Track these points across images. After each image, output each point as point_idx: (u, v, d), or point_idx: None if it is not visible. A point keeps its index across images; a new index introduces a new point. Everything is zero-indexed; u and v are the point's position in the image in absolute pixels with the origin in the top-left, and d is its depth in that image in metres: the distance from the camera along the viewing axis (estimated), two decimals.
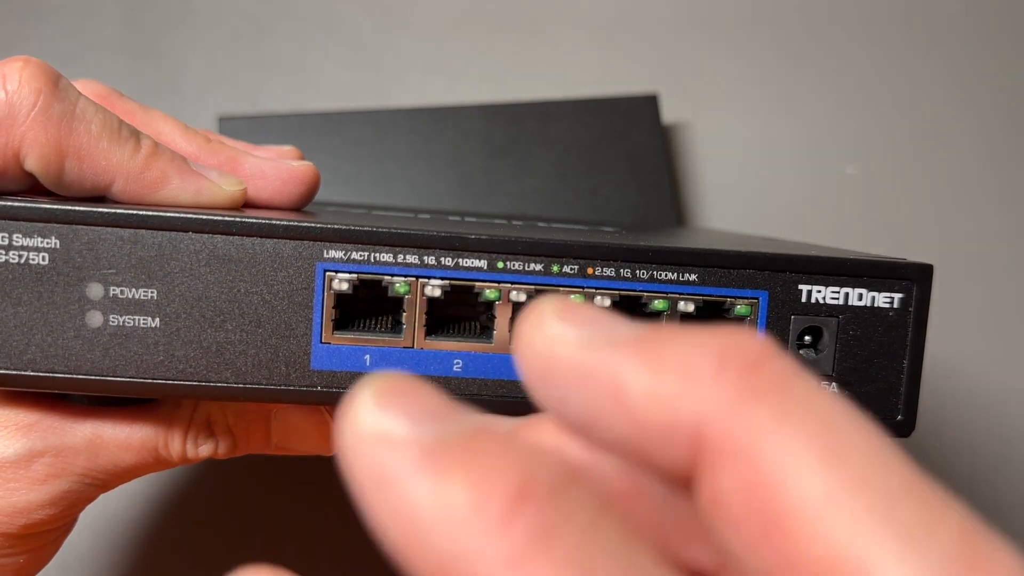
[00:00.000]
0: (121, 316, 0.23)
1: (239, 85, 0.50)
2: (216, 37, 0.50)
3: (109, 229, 0.23)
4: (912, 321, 0.25)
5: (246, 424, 0.28)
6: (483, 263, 0.24)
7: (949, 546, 0.10)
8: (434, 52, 0.50)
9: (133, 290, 0.23)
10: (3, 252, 0.23)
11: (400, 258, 0.24)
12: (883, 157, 0.51)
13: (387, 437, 0.11)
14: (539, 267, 0.24)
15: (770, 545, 0.10)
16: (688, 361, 0.11)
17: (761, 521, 0.10)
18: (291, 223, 0.23)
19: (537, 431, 0.14)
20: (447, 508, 0.10)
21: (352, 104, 0.49)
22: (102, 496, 0.28)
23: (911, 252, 0.28)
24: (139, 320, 0.23)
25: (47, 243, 0.23)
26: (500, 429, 0.12)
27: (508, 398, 0.25)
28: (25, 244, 0.23)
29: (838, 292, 0.25)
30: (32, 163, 0.24)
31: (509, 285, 0.24)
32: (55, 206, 0.23)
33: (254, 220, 0.23)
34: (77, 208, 0.23)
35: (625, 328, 0.12)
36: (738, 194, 0.51)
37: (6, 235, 0.23)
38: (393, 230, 0.24)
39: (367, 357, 0.24)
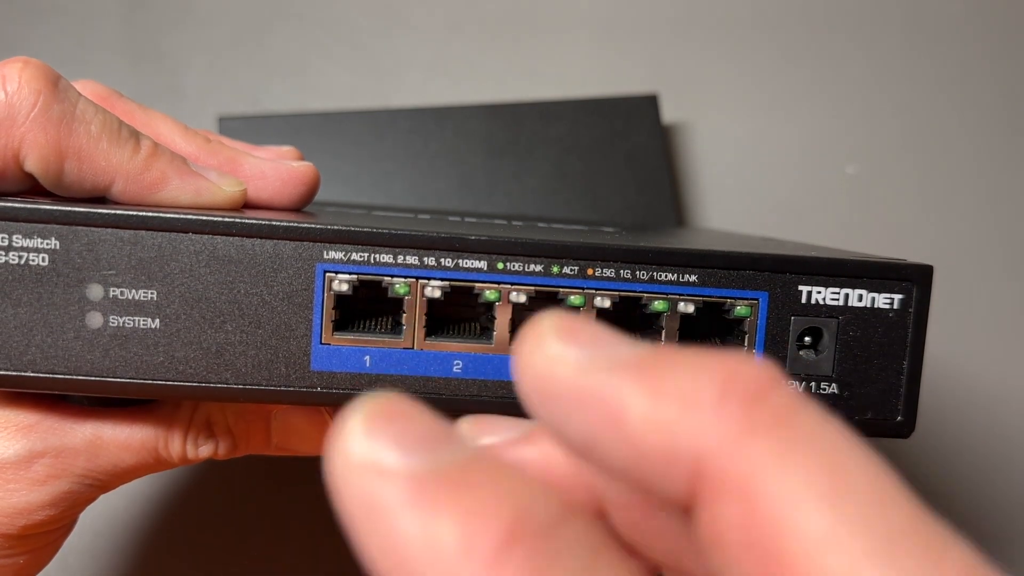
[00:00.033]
0: (121, 317, 0.23)
1: (239, 85, 0.50)
2: (216, 37, 0.50)
3: (109, 230, 0.23)
4: (912, 322, 0.25)
5: (246, 425, 0.28)
6: (483, 264, 0.24)
7: None
8: (434, 52, 0.50)
9: (133, 291, 0.23)
10: (3, 253, 0.23)
11: (400, 259, 0.24)
12: (883, 157, 0.51)
13: (377, 467, 0.11)
14: (539, 268, 0.24)
15: None
16: (690, 388, 0.11)
17: (759, 557, 0.10)
18: (291, 224, 0.23)
19: (538, 444, 0.14)
20: (436, 546, 0.10)
21: (352, 104, 0.49)
22: (102, 496, 0.28)
23: (911, 252, 0.28)
24: (139, 321, 0.23)
25: (47, 244, 0.23)
26: (495, 456, 0.11)
27: (508, 399, 0.25)
28: (25, 245, 0.23)
29: (838, 293, 0.25)
30: (32, 164, 0.24)
31: (509, 286, 0.24)
32: (55, 207, 0.23)
33: (254, 221, 0.23)
34: (77, 209, 0.23)
35: (626, 349, 0.12)
36: (738, 194, 0.51)
37: (6, 236, 0.23)
38: (393, 231, 0.24)
39: (367, 358, 0.24)
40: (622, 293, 0.24)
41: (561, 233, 0.27)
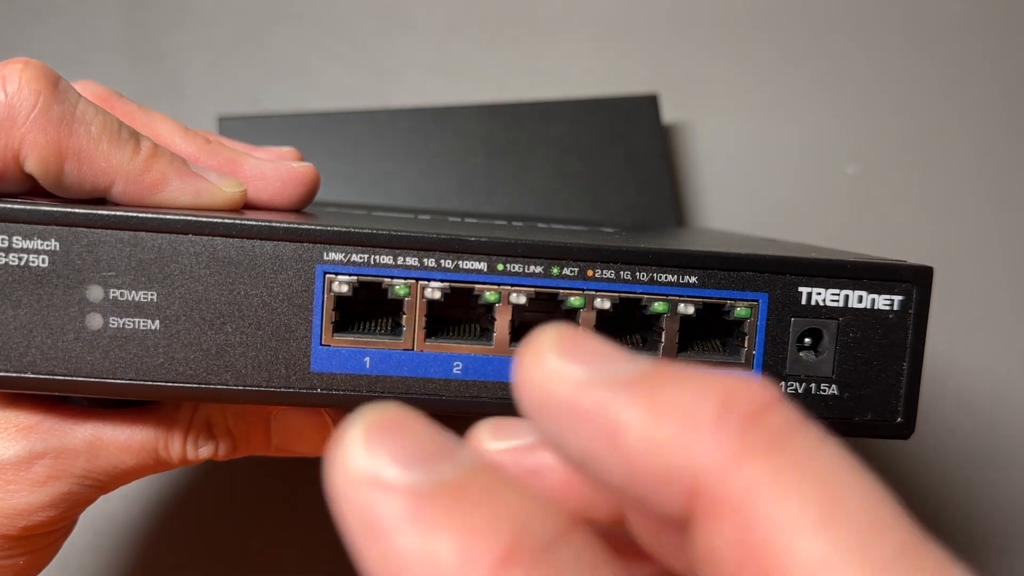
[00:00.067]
0: (121, 318, 0.23)
1: (239, 85, 0.50)
2: (216, 37, 0.50)
3: (109, 231, 0.23)
4: (912, 323, 0.25)
5: (246, 426, 0.28)
6: (483, 265, 0.24)
7: None
8: (434, 52, 0.50)
9: (133, 292, 0.23)
10: (3, 254, 0.23)
11: (400, 260, 0.24)
12: (883, 157, 0.51)
13: (376, 480, 0.11)
14: (539, 269, 0.24)
15: None
16: (688, 407, 0.11)
17: None
18: (291, 225, 0.23)
19: (541, 453, 0.14)
20: (433, 564, 0.10)
21: (352, 104, 0.49)
22: (102, 496, 0.28)
23: (911, 252, 0.28)
24: (139, 322, 0.23)
25: (47, 245, 0.23)
26: (497, 471, 0.11)
27: (508, 400, 0.25)
28: (25, 246, 0.23)
29: (838, 294, 0.25)
30: (32, 165, 0.24)
31: (509, 287, 0.24)
32: (55, 208, 0.23)
33: (254, 222, 0.23)
34: (77, 210, 0.23)
35: (626, 366, 0.12)
36: (738, 194, 0.51)
37: (6, 237, 0.23)
38: (393, 232, 0.24)
39: (367, 359, 0.24)
40: (622, 294, 0.24)
41: (561, 234, 0.27)
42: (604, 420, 0.11)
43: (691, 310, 0.24)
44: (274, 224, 0.23)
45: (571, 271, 0.24)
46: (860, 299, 0.25)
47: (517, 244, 0.24)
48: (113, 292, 0.23)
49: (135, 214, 0.23)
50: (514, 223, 0.35)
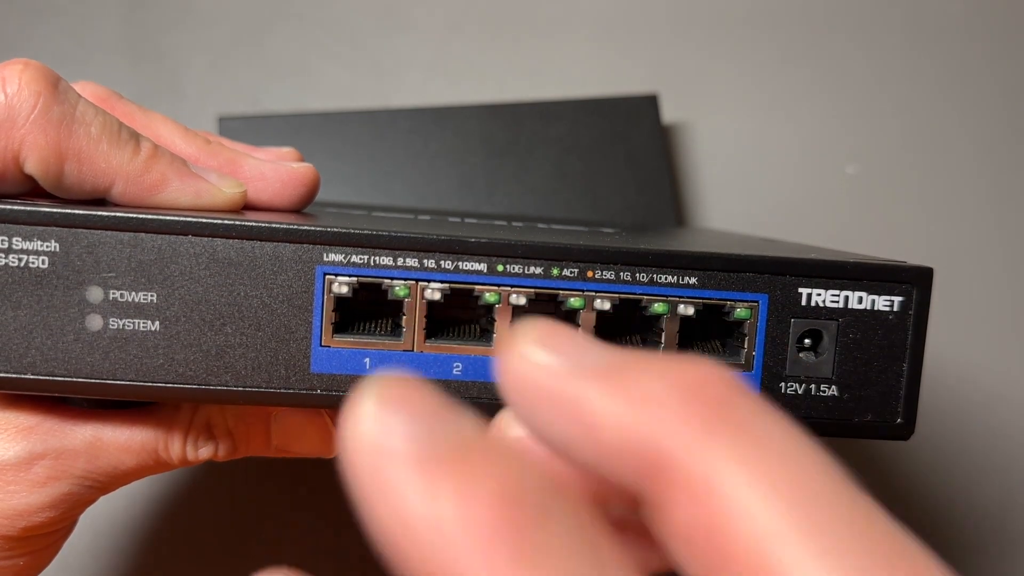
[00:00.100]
0: (121, 319, 0.23)
1: (239, 85, 0.50)
2: (216, 37, 0.50)
3: (109, 232, 0.23)
4: (912, 324, 0.25)
5: (246, 427, 0.28)
6: (483, 266, 0.24)
7: None
8: (434, 52, 0.50)
9: (133, 293, 0.23)
10: (3, 255, 0.23)
11: (400, 261, 0.24)
12: (883, 157, 0.51)
13: (386, 446, 0.11)
14: (539, 270, 0.24)
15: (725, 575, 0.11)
16: (653, 391, 0.12)
17: (716, 550, 0.11)
18: (291, 226, 0.23)
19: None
20: (437, 521, 0.10)
21: (352, 104, 0.49)
22: (102, 497, 0.28)
23: (911, 252, 0.28)
24: (139, 323, 0.23)
25: (47, 246, 0.23)
26: (498, 440, 0.12)
27: None
28: (25, 247, 0.23)
29: (838, 295, 0.25)
30: (32, 166, 0.24)
31: (509, 288, 0.24)
32: (55, 209, 0.23)
33: (254, 223, 0.23)
34: (77, 211, 0.23)
35: (599, 356, 0.13)
36: (738, 194, 0.51)
37: (6, 238, 0.23)
38: (393, 233, 0.24)
39: (367, 360, 0.24)
40: (622, 295, 0.24)
41: (561, 235, 0.27)
42: (576, 406, 0.12)
43: (691, 311, 0.24)
44: (274, 225, 0.23)
45: (571, 272, 0.24)
46: (860, 300, 0.25)
47: (517, 245, 0.24)
48: (113, 293, 0.23)
49: (135, 215, 0.23)
50: (514, 224, 0.35)
